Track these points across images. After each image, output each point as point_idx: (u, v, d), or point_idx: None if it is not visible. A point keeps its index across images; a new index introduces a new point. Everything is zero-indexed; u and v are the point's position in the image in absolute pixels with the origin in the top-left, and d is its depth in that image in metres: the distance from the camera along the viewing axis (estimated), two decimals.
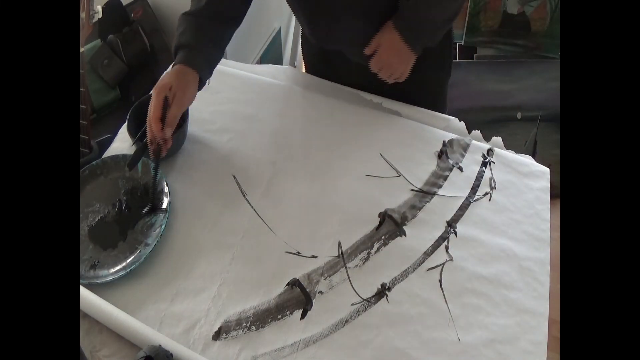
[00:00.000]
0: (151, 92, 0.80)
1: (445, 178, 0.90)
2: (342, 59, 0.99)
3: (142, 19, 1.34)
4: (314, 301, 0.75)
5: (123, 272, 0.75)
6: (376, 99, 1.00)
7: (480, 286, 0.77)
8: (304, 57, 1.16)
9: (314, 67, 1.11)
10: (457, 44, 1.78)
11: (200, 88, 0.85)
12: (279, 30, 1.77)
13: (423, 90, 1.00)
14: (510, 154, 0.94)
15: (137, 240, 0.80)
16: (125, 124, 0.90)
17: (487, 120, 1.74)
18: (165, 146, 0.81)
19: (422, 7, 0.83)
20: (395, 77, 0.90)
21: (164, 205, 0.82)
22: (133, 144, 0.88)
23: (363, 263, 0.79)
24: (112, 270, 0.76)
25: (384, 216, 0.84)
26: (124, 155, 0.88)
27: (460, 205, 0.86)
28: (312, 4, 0.88)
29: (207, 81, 0.87)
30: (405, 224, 0.83)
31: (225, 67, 1.07)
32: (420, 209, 0.85)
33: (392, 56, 0.87)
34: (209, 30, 0.85)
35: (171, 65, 0.84)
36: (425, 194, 0.87)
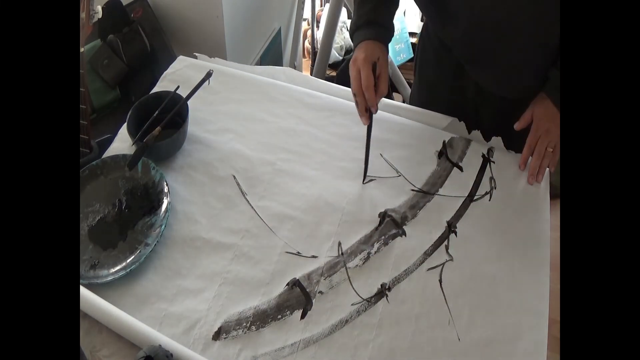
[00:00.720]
0: (350, 65, 0.85)
1: (445, 178, 0.90)
2: (462, 75, 0.98)
3: (142, 19, 1.34)
4: (314, 301, 0.75)
5: (123, 272, 0.75)
6: None
7: (480, 286, 0.77)
8: (418, 66, 1.14)
9: (423, 71, 1.10)
10: None
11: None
12: (279, 30, 1.77)
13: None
14: (510, 154, 0.94)
15: (137, 240, 0.80)
16: (125, 124, 0.90)
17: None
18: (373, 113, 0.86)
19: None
20: (554, 143, 0.88)
21: (164, 205, 0.82)
22: (133, 143, 0.89)
23: (363, 263, 0.79)
24: (112, 270, 0.76)
25: (384, 216, 0.84)
26: (124, 155, 0.88)
27: (460, 205, 0.86)
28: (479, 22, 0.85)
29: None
30: (405, 224, 0.83)
31: (225, 67, 1.07)
32: (420, 209, 0.85)
33: (549, 122, 0.88)
34: (392, 7, 0.91)
35: (360, 41, 0.87)
36: (425, 194, 0.87)
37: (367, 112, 0.85)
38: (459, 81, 0.99)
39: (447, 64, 0.99)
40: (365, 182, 0.89)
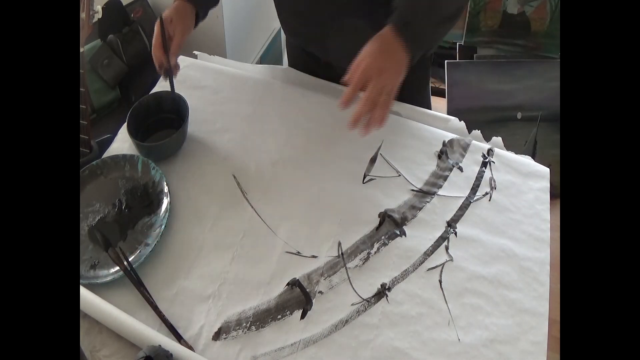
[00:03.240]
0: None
1: (445, 178, 0.90)
2: (325, 67, 1.00)
3: (142, 19, 1.34)
4: (314, 301, 0.75)
5: (123, 272, 0.75)
6: None
7: (480, 286, 0.77)
8: (289, 60, 1.17)
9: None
10: (457, 44, 1.78)
11: (196, 24, 0.91)
12: (279, 30, 1.77)
13: (405, 92, 0.85)
14: (510, 154, 0.94)
15: (137, 240, 0.80)
16: (125, 124, 0.90)
17: (487, 120, 1.74)
18: (176, 70, 0.89)
19: (422, 2, 0.73)
20: (387, 92, 0.72)
21: (164, 205, 0.82)
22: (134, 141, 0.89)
23: (363, 263, 0.79)
24: (112, 270, 0.76)
25: (384, 216, 0.84)
26: (124, 155, 0.88)
27: (460, 205, 0.86)
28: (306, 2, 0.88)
29: (201, 18, 0.93)
30: (405, 224, 0.83)
31: (225, 67, 1.07)
32: (420, 209, 0.85)
33: (384, 60, 0.72)
34: None
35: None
36: (425, 194, 0.87)
37: (162, 69, 0.87)
38: (325, 76, 1.01)
39: (309, 63, 1.02)
40: (364, 182, 0.88)
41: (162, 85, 1.02)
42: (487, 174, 0.91)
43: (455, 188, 0.88)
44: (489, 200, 0.87)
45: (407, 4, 0.74)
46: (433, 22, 0.76)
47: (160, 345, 0.65)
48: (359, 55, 0.74)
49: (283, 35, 1.84)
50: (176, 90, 0.93)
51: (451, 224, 0.84)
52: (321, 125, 0.97)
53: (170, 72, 0.88)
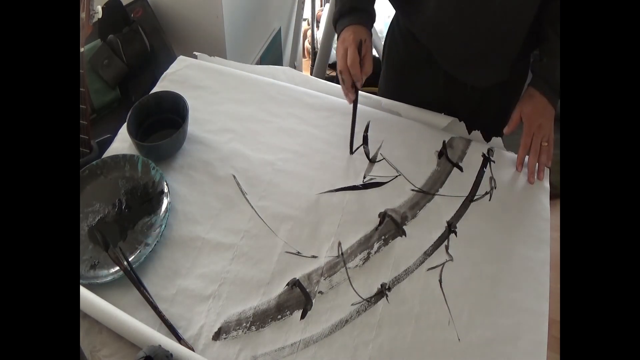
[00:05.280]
0: (335, 47, 0.91)
1: (445, 178, 0.90)
2: (432, 66, 0.99)
3: (142, 19, 1.34)
4: (314, 301, 0.75)
5: (123, 272, 0.75)
6: (376, 98, 1.00)
7: (480, 286, 0.77)
8: (386, 54, 1.15)
9: (392, 59, 1.11)
10: None
11: None
12: (279, 30, 1.77)
13: (494, 112, 1.03)
14: (510, 154, 0.94)
15: (137, 240, 0.80)
16: (125, 124, 0.90)
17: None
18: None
19: (555, 63, 0.87)
20: (546, 139, 0.89)
21: (164, 205, 0.82)
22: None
23: (363, 263, 0.79)
24: (112, 270, 0.76)
25: (384, 216, 0.84)
26: (124, 155, 0.88)
27: (460, 205, 0.86)
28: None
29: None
30: (405, 224, 0.83)
31: (225, 67, 1.07)
32: (420, 209, 0.85)
33: (540, 118, 0.89)
34: None
35: (344, 26, 0.89)
36: (425, 194, 0.87)
37: (353, 87, 0.88)
38: (429, 70, 1.00)
39: (416, 53, 1.01)
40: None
41: (162, 86, 1.03)
42: (487, 173, 0.91)
43: (455, 188, 0.88)
44: (489, 200, 0.87)
45: (546, 71, 0.89)
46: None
47: (160, 345, 0.65)
48: (516, 115, 0.91)
49: (283, 35, 1.84)
50: (176, 90, 0.93)
51: (451, 224, 0.83)
52: (321, 125, 0.97)
53: (357, 93, 0.89)
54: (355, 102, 0.90)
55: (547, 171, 0.91)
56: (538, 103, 0.89)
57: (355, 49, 0.85)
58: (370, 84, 1.10)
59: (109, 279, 0.75)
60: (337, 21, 0.92)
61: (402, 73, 1.09)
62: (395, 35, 1.07)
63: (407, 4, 0.94)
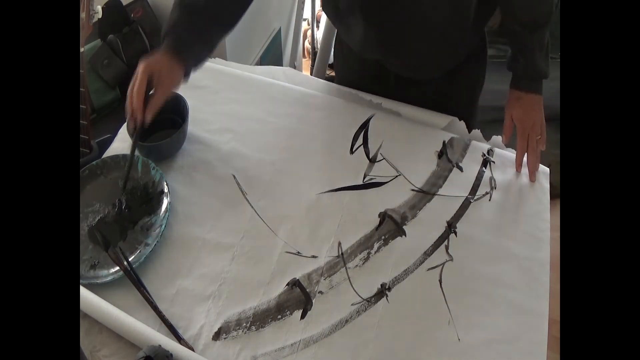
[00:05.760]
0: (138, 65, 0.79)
1: (445, 178, 0.90)
2: (381, 69, 0.99)
3: (142, 19, 1.34)
4: (314, 301, 0.75)
5: (123, 272, 0.75)
6: (376, 99, 1.00)
7: (480, 286, 0.77)
8: (335, 65, 1.15)
9: (345, 77, 1.09)
10: None
11: (182, 83, 0.84)
12: (279, 30, 1.77)
13: (459, 102, 1.03)
14: (510, 154, 0.94)
15: (137, 240, 0.80)
16: (125, 124, 0.90)
17: (487, 120, 1.73)
18: (142, 124, 0.80)
19: (532, 57, 0.87)
20: (541, 131, 0.90)
21: (164, 205, 0.82)
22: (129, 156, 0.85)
23: (363, 263, 0.79)
24: (112, 270, 0.76)
25: (384, 216, 0.84)
26: (124, 155, 0.88)
27: (460, 205, 0.86)
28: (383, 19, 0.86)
29: (186, 79, 0.85)
30: (405, 224, 0.83)
31: (225, 67, 1.07)
32: (420, 209, 0.85)
33: (531, 115, 0.90)
34: (203, 31, 0.84)
35: (161, 48, 0.81)
36: (425, 194, 0.87)
37: (133, 119, 0.80)
38: (379, 74, 1.01)
39: (364, 62, 1.00)
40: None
41: None
42: (487, 173, 0.91)
43: (455, 188, 0.88)
44: (489, 200, 0.87)
45: (526, 69, 0.89)
46: (547, 64, 0.90)
47: (160, 345, 0.65)
48: (508, 121, 0.92)
49: (283, 35, 1.84)
50: (176, 90, 0.93)
51: (451, 223, 0.83)
52: (321, 125, 0.97)
53: (139, 129, 0.81)
54: (135, 142, 0.81)
55: (547, 171, 0.91)
56: (526, 103, 0.90)
57: (144, 79, 0.77)
58: None
59: (109, 279, 0.75)
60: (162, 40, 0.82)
61: (355, 83, 1.06)
62: (343, 47, 1.07)
63: (340, 25, 0.94)
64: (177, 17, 0.82)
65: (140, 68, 0.79)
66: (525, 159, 0.91)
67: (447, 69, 0.97)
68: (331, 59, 1.93)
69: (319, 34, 1.97)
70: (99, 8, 0.99)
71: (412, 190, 0.88)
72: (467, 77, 1.03)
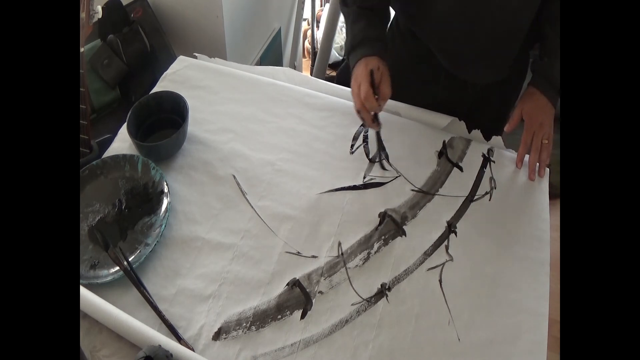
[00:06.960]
0: (352, 84, 0.87)
1: (445, 178, 0.90)
2: (430, 63, 1.00)
3: (142, 19, 1.34)
4: (314, 301, 0.75)
5: (123, 272, 0.75)
6: None
7: (480, 286, 0.77)
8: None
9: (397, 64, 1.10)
10: None
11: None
12: (279, 30, 1.77)
13: (490, 115, 1.04)
14: (510, 154, 0.94)
15: (137, 240, 0.80)
16: (125, 124, 0.90)
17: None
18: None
19: (555, 62, 0.88)
20: (547, 137, 0.90)
21: (164, 205, 0.82)
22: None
23: (363, 263, 0.79)
24: (112, 270, 0.76)
25: (384, 216, 0.84)
26: (124, 155, 0.88)
27: (460, 205, 0.86)
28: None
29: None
30: (405, 224, 0.83)
31: (225, 67, 1.07)
32: (420, 209, 0.85)
33: (540, 115, 0.90)
34: (385, 20, 0.95)
35: (357, 59, 0.87)
36: (425, 194, 0.87)
37: (374, 121, 0.87)
38: (428, 68, 1.00)
39: (416, 51, 1.01)
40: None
41: (162, 86, 1.03)
42: (488, 173, 0.91)
43: (455, 188, 0.88)
44: (489, 199, 0.87)
45: (547, 70, 0.90)
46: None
47: (160, 345, 0.65)
48: (517, 113, 0.91)
49: (283, 35, 1.84)
50: (176, 91, 0.93)
51: (451, 224, 0.83)
52: (321, 125, 0.97)
53: (378, 122, 0.88)
54: (378, 132, 0.90)
55: (547, 171, 0.91)
56: (539, 101, 0.90)
57: (367, 83, 0.84)
58: None
59: (109, 279, 0.75)
60: (350, 53, 0.91)
61: (401, 71, 1.08)
62: (394, 35, 1.07)
63: (410, 2, 0.93)
64: (365, 22, 0.90)
65: (361, 78, 0.85)
66: (525, 159, 0.91)
67: (492, 78, 0.97)
68: (331, 59, 1.94)
69: (319, 34, 1.97)
70: (99, 8, 0.99)
71: (412, 190, 0.88)
72: (505, 92, 1.04)
